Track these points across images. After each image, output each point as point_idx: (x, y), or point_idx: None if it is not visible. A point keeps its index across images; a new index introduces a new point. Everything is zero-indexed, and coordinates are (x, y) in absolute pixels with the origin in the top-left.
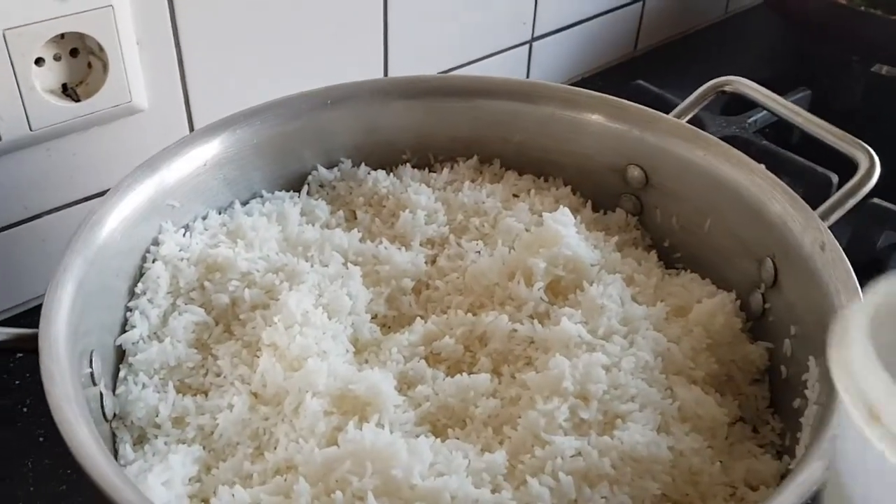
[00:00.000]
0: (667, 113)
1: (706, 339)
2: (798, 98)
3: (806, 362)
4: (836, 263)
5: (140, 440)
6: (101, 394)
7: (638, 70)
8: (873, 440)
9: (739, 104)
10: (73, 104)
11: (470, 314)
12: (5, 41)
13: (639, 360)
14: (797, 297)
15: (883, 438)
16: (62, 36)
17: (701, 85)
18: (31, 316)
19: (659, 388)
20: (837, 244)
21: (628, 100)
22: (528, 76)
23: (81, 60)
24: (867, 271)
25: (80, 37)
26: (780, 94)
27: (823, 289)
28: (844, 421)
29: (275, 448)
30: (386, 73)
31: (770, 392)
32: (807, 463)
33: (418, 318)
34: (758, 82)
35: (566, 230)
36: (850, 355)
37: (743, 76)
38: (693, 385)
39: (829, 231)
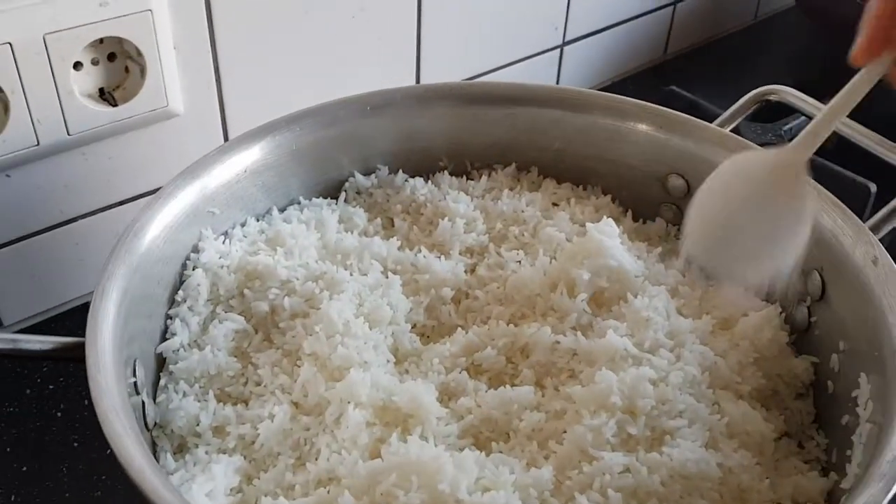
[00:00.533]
0: (705, 120)
1: (753, 353)
2: None
3: (857, 378)
4: (889, 278)
5: (181, 449)
6: (143, 402)
7: (668, 74)
8: None
9: (772, 110)
10: (111, 108)
11: (511, 325)
12: (45, 45)
13: (686, 374)
14: (847, 312)
15: None
16: (101, 40)
17: (731, 90)
18: (63, 320)
19: (706, 404)
20: (891, 259)
21: (663, 106)
22: (558, 80)
23: (119, 65)
24: None
25: (119, 41)
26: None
27: (876, 304)
28: None
29: (316, 459)
30: (418, 79)
31: (815, 407)
32: (866, 485)
33: (459, 329)
34: (793, 87)
35: (610, 241)
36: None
37: (774, 81)
38: (740, 400)
39: (881, 245)
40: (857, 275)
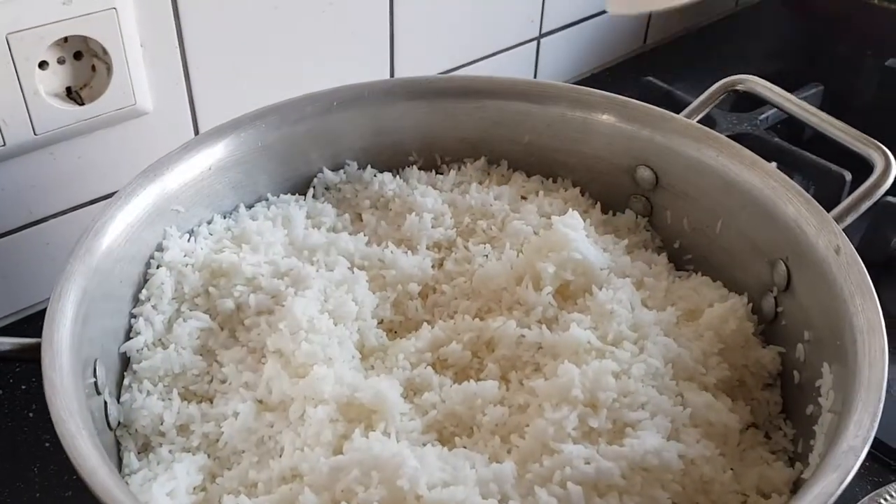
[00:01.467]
0: (677, 110)
1: (718, 343)
2: (810, 94)
3: (820, 368)
4: (851, 267)
5: (145, 448)
6: (106, 402)
7: (647, 65)
8: None
9: (750, 100)
10: (78, 107)
11: (477, 319)
12: (8, 45)
13: (649, 366)
14: (811, 302)
15: None
16: (66, 39)
17: (711, 81)
18: (37, 320)
19: (669, 395)
20: (853, 248)
21: (638, 97)
22: (536, 73)
23: (85, 63)
24: (881, 270)
25: (84, 40)
26: (792, 89)
27: (838, 293)
28: None
29: (280, 456)
30: (392, 73)
31: (782, 397)
32: (821, 475)
33: (425, 324)
34: (769, 77)
35: (575, 234)
36: None
37: (754, 71)
38: (704, 391)
39: (843, 234)
40: (820, 264)
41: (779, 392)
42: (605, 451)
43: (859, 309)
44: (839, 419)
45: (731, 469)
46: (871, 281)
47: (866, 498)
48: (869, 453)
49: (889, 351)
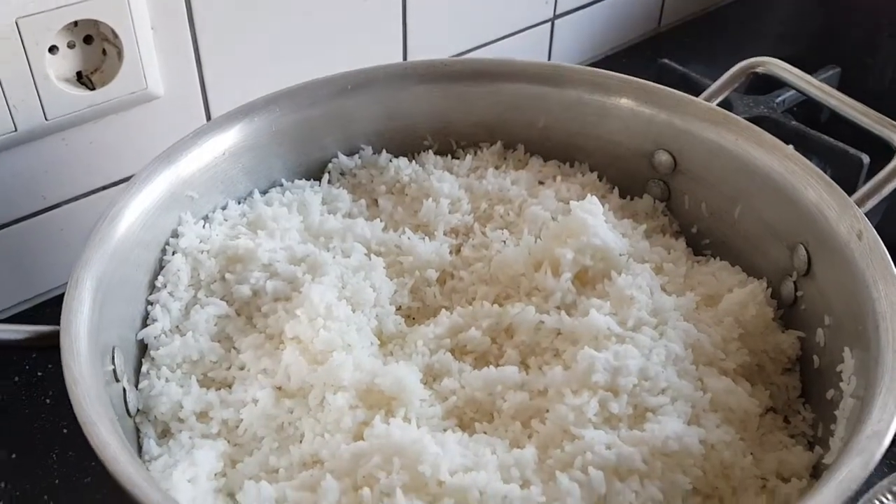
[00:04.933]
0: (693, 93)
1: (737, 329)
2: (828, 76)
3: (840, 353)
4: (873, 253)
5: (164, 435)
6: (125, 389)
7: (662, 47)
8: None
9: (766, 82)
10: (88, 92)
11: (496, 305)
12: (18, 29)
13: (669, 351)
14: (832, 287)
15: None
16: (76, 23)
17: (726, 62)
18: (51, 306)
19: (689, 380)
20: (875, 232)
21: (653, 79)
22: (549, 55)
23: (96, 48)
24: None
25: (94, 23)
26: (809, 71)
27: (860, 278)
28: None
29: (300, 442)
30: (405, 56)
31: (801, 382)
32: (845, 460)
33: (443, 310)
34: (785, 59)
35: (594, 219)
36: None
37: (770, 53)
38: (724, 376)
39: (866, 219)
40: (841, 249)
41: (798, 377)
42: (625, 436)
43: (882, 294)
44: (862, 404)
45: (751, 454)
46: (894, 266)
47: (885, 481)
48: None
49: None
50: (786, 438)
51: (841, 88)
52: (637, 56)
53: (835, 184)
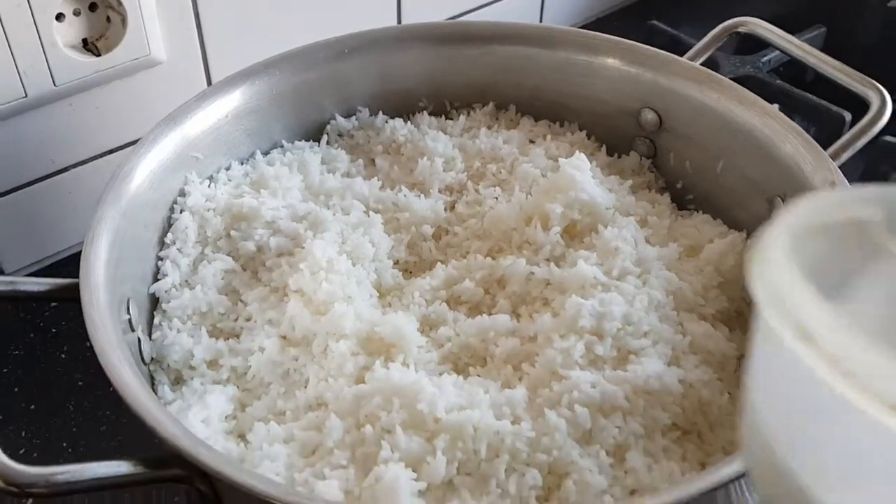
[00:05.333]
0: (682, 53)
1: (717, 277)
2: (813, 36)
3: None
4: None
5: (177, 381)
6: (139, 339)
7: (653, 8)
8: (805, 359)
9: (754, 43)
10: (94, 59)
11: (489, 258)
12: None
13: (651, 298)
14: None
15: (816, 356)
16: None
17: (716, 23)
18: (62, 266)
19: (670, 325)
20: (847, 183)
21: (642, 40)
22: (541, 17)
23: (100, 15)
24: None
25: None
26: (795, 31)
27: None
28: (761, 339)
29: (305, 387)
30: (399, 20)
31: None
32: None
33: (439, 263)
34: (773, 19)
35: (582, 175)
36: (775, 272)
37: (758, 13)
38: (703, 321)
39: (839, 171)
40: None
41: None
42: (609, 376)
43: None
44: None
45: (729, 393)
46: None
47: None
48: None
49: None
50: None
51: (827, 48)
52: (628, 18)
53: (811, 138)
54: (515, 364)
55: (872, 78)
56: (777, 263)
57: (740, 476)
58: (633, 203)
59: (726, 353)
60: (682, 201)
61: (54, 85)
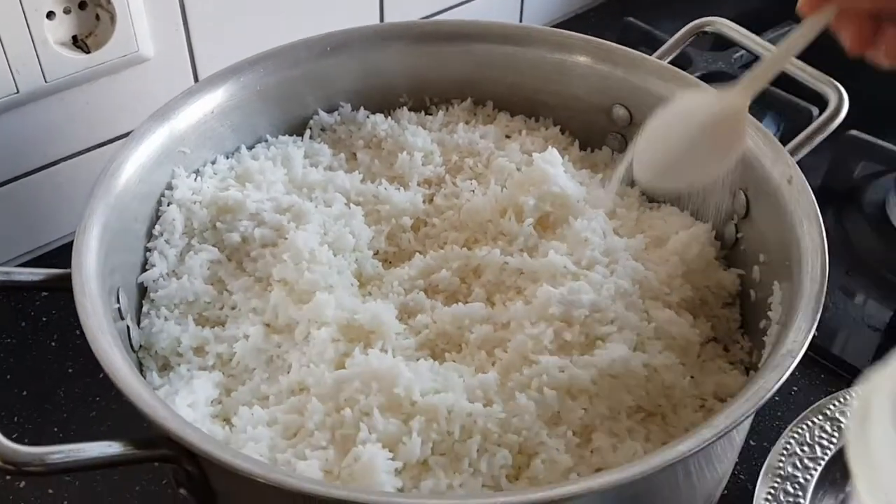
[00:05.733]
0: (656, 50)
1: (681, 267)
2: (783, 33)
3: (771, 286)
4: (801, 195)
5: (165, 368)
6: (128, 327)
7: (629, 5)
8: None
9: (726, 40)
10: (84, 56)
11: (465, 249)
12: None
13: (618, 286)
14: (766, 227)
15: None
16: None
17: (690, 19)
18: (53, 257)
19: (636, 312)
20: (804, 178)
21: (618, 37)
22: (521, 15)
23: (90, 12)
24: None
25: None
26: (768, 28)
27: (789, 219)
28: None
29: (288, 372)
30: (382, 17)
31: (741, 314)
32: (763, 374)
33: (417, 254)
34: (749, 16)
35: (554, 169)
36: (873, 444)
37: (733, 11)
38: (667, 309)
39: (796, 166)
40: (774, 193)
41: (738, 310)
42: (577, 360)
43: (805, 231)
44: (782, 328)
45: (691, 377)
46: (818, 207)
47: (818, 403)
48: (826, 367)
49: (842, 273)
50: (725, 364)
51: None
52: (605, 15)
53: (770, 134)
54: (489, 350)
55: (839, 75)
56: (875, 432)
57: (697, 451)
58: (603, 196)
59: (689, 339)
60: (652, 194)
61: (45, 81)
